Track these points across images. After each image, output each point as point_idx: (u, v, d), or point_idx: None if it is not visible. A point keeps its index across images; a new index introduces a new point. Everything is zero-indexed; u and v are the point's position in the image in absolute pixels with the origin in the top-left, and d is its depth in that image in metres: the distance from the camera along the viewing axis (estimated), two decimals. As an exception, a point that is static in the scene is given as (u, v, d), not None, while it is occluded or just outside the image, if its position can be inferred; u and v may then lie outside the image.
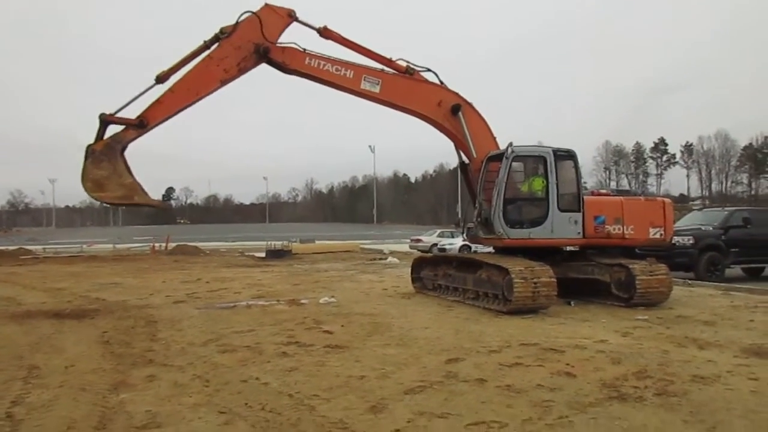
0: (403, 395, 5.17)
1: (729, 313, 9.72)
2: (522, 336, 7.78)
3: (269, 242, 31.97)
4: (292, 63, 10.80)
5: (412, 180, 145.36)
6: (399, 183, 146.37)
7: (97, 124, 9.73)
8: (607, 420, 4.46)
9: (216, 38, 10.31)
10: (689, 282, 14.31)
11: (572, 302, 10.68)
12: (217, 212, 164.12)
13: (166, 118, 10.13)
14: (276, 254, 27.64)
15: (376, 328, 8.51)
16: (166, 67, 10.13)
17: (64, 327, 8.85)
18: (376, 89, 11.19)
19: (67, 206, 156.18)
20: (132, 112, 9.92)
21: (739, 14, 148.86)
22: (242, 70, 10.55)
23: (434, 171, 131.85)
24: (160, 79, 10.03)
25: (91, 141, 9.69)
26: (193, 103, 10.28)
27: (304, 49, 10.84)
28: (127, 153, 9.97)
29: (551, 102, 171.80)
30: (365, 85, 11.13)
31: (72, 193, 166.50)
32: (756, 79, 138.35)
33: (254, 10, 10.55)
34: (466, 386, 5.44)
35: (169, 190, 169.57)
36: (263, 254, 28.05)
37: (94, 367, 6.35)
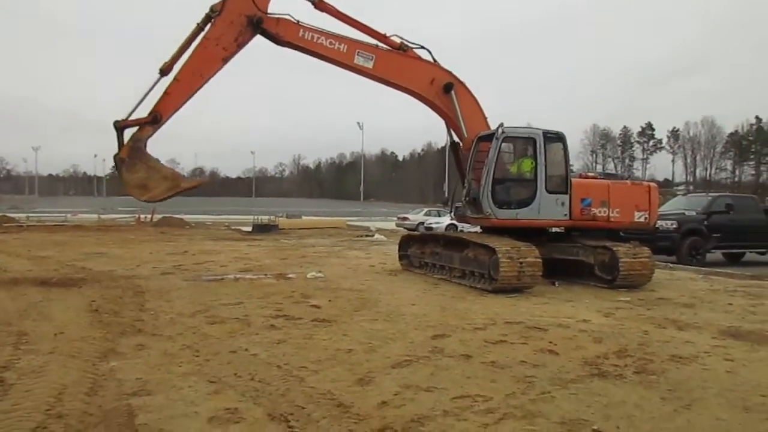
0: (390, 369, 5.27)
1: (708, 297, 9.94)
2: (507, 314, 7.92)
3: (256, 216, 31.93)
4: (285, 35, 10.70)
5: (400, 158, 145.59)
6: (386, 160, 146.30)
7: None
8: (588, 396, 4.60)
9: (208, 18, 10.19)
10: (671, 265, 14.58)
11: (556, 282, 10.85)
12: (203, 185, 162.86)
13: (178, 108, 10.14)
14: (262, 229, 27.67)
15: (364, 304, 8.61)
16: (167, 59, 10.10)
17: (51, 295, 8.84)
18: (370, 65, 11.14)
19: (50, 174, 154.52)
20: (143, 110, 9.92)
21: (733, 5, 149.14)
22: (241, 45, 10.47)
23: (422, 149, 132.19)
24: (164, 71, 10.00)
25: (115, 151, 9.81)
26: (201, 87, 10.26)
27: (298, 21, 10.74)
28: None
29: (540, 83, 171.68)
30: (358, 60, 11.07)
31: (55, 161, 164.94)
32: (745, 68, 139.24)
33: None
34: (451, 361, 5.55)
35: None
36: (249, 228, 28.05)
37: (83, 334, 6.38)
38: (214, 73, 10.35)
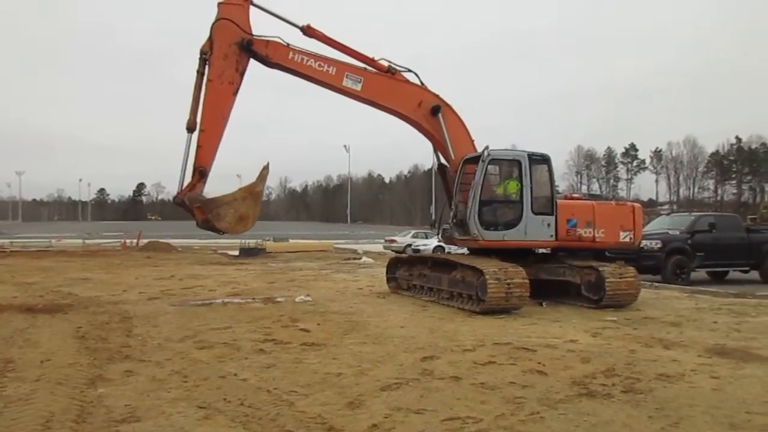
0: (379, 392, 5.28)
1: (693, 315, 10.04)
2: (495, 335, 7.95)
3: (243, 240, 31.77)
4: (275, 57, 10.85)
5: (387, 180, 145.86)
6: (374, 183, 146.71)
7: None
8: (576, 415, 4.64)
9: (203, 61, 10.34)
10: (656, 284, 14.70)
11: (544, 303, 10.91)
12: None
13: (215, 153, 10.39)
14: (250, 252, 27.52)
15: (353, 327, 8.61)
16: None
17: (37, 321, 8.76)
18: (358, 87, 11.29)
19: (34, 199, 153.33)
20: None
21: (712, 25, 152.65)
22: (242, 73, 10.63)
23: (409, 171, 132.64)
24: (190, 128, 10.22)
25: (195, 222, 10.47)
26: (225, 125, 10.48)
27: (288, 44, 10.91)
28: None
29: (524, 104, 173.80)
30: (347, 83, 11.22)
31: (39, 186, 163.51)
32: (725, 87, 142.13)
33: (216, 16, 10.53)
34: (441, 383, 5.57)
35: (140, 186, 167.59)
36: (237, 252, 27.92)
37: (71, 361, 6.33)
38: (231, 108, 10.52)
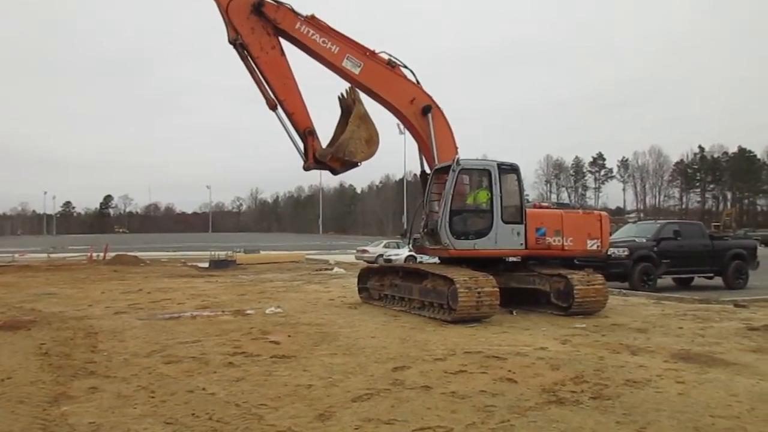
0: (350, 403, 5.25)
1: (660, 321, 10.21)
2: (466, 344, 7.98)
3: (213, 252, 31.44)
4: (283, 22, 11.19)
5: (358, 191, 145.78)
6: (345, 193, 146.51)
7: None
8: (546, 423, 4.67)
9: (239, 46, 10.92)
10: (624, 291, 14.93)
11: (514, 311, 10.99)
12: (158, 221, 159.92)
13: (307, 110, 11.32)
14: (220, 264, 27.24)
15: (323, 338, 8.56)
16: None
17: (-3, 339, 8.51)
18: (357, 71, 11.59)
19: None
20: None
21: (678, 36, 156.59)
22: (275, 33, 11.16)
23: (380, 182, 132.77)
24: (271, 106, 11.09)
25: (334, 172, 11.86)
26: (297, 83, 11.29)
27: (297, 14, 11.26)
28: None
29: (495, 115, 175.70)
30: (347, 64, 11.53)
31: (1, 199, 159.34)
32: (690, 99, 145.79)
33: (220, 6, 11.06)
34: (412, 393, 5.56)
35: (107, 199, 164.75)
36: (206, 264, 27.60)
37: (33, 379, 6.16)
38: (289, 66, 11.27)
